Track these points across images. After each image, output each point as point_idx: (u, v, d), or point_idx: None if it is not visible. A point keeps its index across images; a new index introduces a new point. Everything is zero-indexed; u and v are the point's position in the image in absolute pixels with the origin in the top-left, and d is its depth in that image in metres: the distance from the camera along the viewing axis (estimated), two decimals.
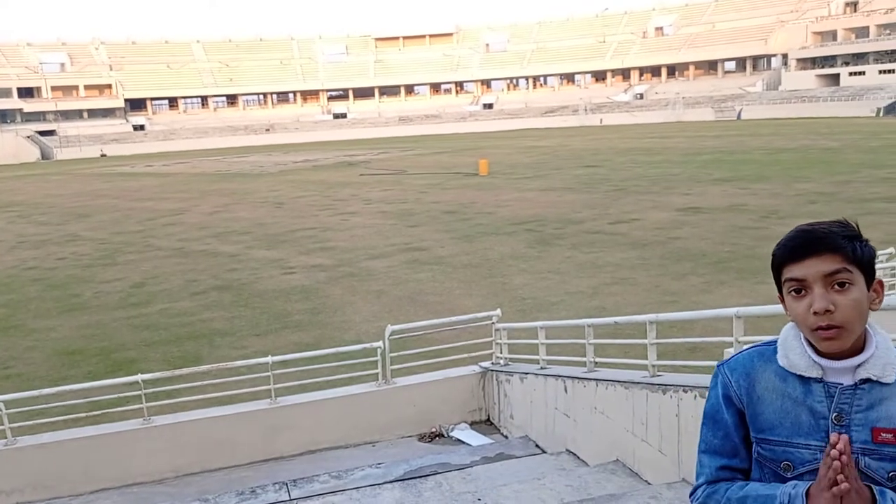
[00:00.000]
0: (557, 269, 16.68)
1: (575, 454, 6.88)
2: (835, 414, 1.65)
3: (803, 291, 1.63)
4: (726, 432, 1.77)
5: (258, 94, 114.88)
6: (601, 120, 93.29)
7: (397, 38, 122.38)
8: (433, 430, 8.86)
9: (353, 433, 8.77)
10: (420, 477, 6.80)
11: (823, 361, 1.66)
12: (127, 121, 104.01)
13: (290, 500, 6.51)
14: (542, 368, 7.89)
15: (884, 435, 1.62)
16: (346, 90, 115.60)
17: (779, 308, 1.76)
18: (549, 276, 16.02)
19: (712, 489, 1.76)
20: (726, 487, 1.74)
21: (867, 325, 1.67)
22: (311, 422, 8.71)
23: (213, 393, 8.63)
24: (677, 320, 8.59)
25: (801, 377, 1.68)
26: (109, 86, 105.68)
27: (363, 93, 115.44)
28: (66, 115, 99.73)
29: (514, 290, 15.12)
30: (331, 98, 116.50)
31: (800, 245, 1.64)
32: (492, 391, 9.14)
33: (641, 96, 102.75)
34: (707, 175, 32.32)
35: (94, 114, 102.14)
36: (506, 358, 9.04)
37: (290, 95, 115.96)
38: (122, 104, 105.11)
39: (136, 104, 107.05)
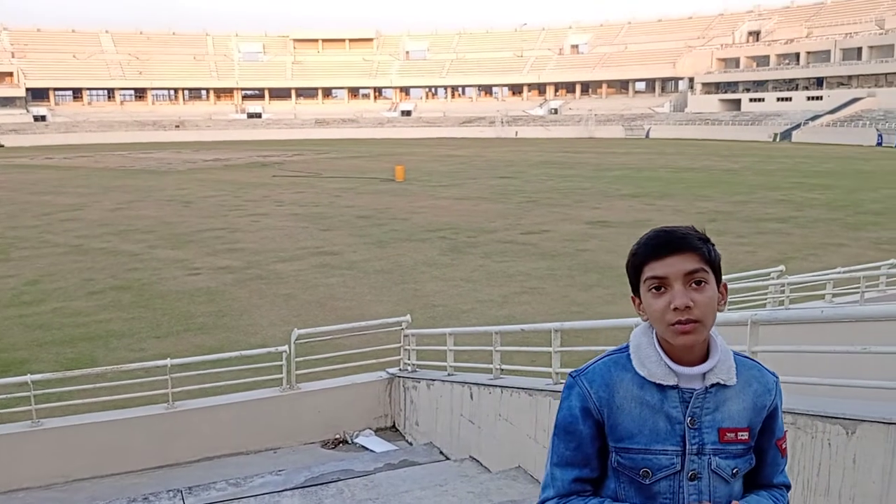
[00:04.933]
0: (469, 277, 16.80)
1: (478, 461, 6.90)
2: (689, 418, 1.71)
3: (663, 289, 1.70)
4: (580, 443, 1.75)
5: (169, 89, 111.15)
6: (516, 132, 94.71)
7: (316, 40, 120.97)
8: (337, 436, 8.75)
9: (254, 439, 8.56)
10: (321, 484, 6.70)
11: (678, 368, 1.72)
12: (27, 111, 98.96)
13: None
14: (449, 375, 7.91)
15: (728, 434, 1.72)
16: (261, 90, 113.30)
17: None
18: (461, 284, 16.12)
19: (564, 502, 1.76)
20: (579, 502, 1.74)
21: (711, 333, 1.74)
22: (209, 427, 8.45)
23: (108, 396, 8.29)
24: (582, 329, 8.79)
25: (658, 385, 1.72)
26: (11, 74, 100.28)
27: (279, 93, 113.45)
28: None
29: (425, 296, 15.13)
30: (246, 97, 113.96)
31: (662, 244, 1.72)
32: (398, 397, 9.10)
33: (556, 111, 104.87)
34: (616, 190, 33.26)
35: None
36: (414, 364, 9.01)
37: (203, 92, 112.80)
38: (23, 93, 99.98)
39: (39, 94, 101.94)
